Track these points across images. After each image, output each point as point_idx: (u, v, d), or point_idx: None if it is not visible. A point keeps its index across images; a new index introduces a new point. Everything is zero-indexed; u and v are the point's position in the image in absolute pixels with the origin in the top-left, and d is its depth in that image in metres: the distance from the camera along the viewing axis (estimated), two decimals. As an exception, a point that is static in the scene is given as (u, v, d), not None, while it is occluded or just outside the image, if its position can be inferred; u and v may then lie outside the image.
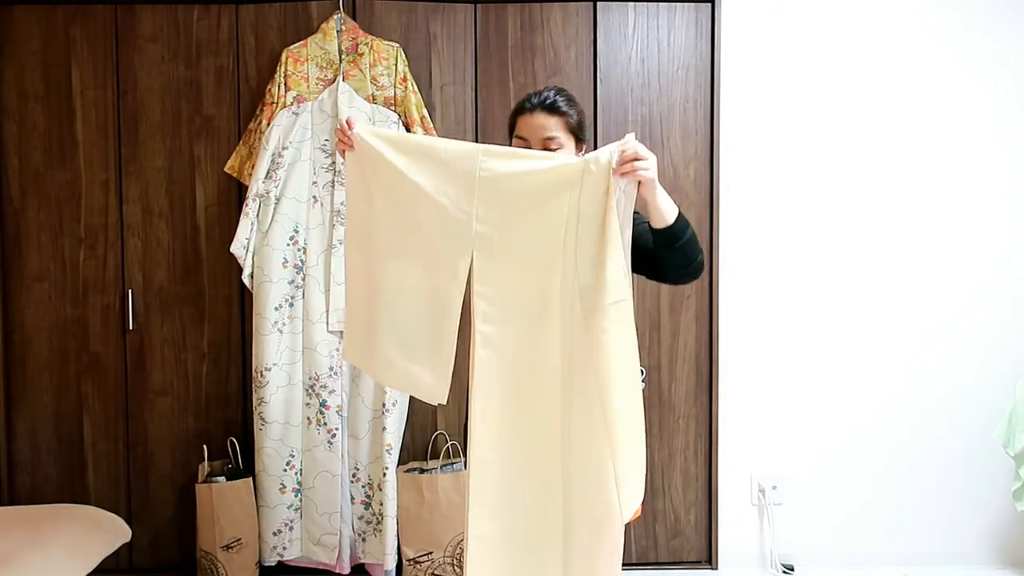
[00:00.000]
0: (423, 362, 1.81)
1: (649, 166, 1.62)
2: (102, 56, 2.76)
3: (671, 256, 1.76)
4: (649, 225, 1.74)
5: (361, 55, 2.66)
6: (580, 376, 1.70)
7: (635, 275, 1.82)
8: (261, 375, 2.62)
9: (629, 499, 1.65)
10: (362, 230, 1.87)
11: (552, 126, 1.81)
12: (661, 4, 2.83)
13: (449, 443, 2.79)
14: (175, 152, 2.78)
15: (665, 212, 1.70)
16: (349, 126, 1.79)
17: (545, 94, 1.85)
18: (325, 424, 2.65)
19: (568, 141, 1.82)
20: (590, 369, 1.66)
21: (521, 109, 1.87)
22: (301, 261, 2.64)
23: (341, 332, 2.64)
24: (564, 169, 1.68)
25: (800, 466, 2.93)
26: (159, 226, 2.79)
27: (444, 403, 1.81)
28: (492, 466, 1.74)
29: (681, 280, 1.84)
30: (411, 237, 1.79)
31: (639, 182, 1.63)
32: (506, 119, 1.94)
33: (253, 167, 2.63)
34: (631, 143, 1.62)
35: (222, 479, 2.67)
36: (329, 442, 2.65)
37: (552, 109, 1.83)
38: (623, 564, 1.78)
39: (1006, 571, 2.94)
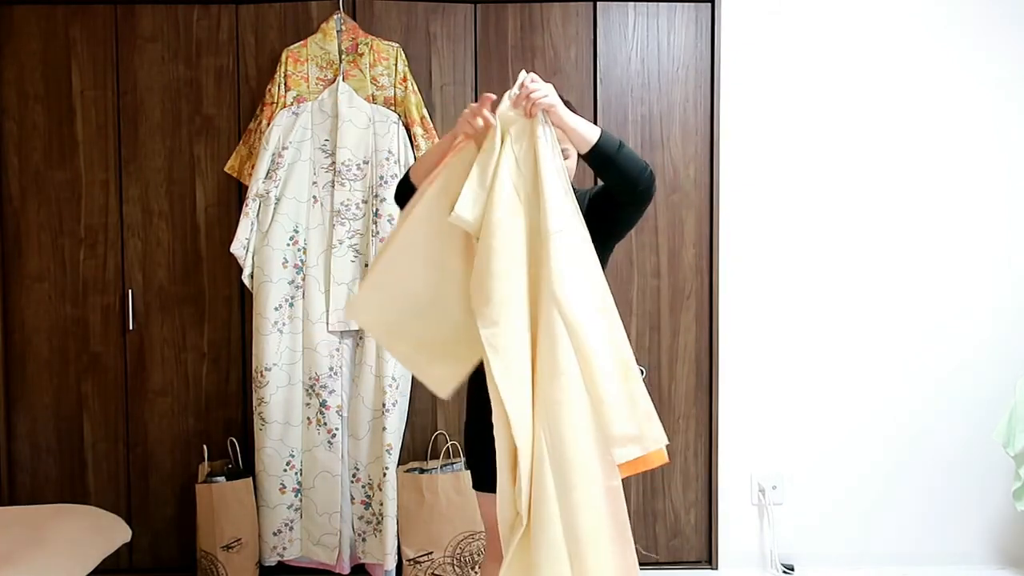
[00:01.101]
0: (445, 360, 1.82)
1: (546, 91, 1.65)
2: (102, 56, 2.76)
3: (614, 176, 1.74)
4: (579, 155, 1.75)
5: (361, 55, 2.66)
6: (545, 310, 1.67)
7: (617, 250, 1.93)
8: (261, 375, 2.62)
9: (621, 446, 1.64)
10: (437, 208, 1.80)
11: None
12: (661, 4, 2.83)
13: (449, 443, 2.79)
14: (175, 152, 2.78)
15: (584, 132, 1.70)
16: (494, 105, 1.71)
17: None
18: (325, 424, 2.65)
19: (571, 146, 1.82)
20: (550, 301, 1.65)
21: None
22: (301, 261, 2.64)
23: (341, 332, 2.65)
24: (495, 138, 1.69)
25: (800, 466, 2.93)
26: (159, 226, 2.79)
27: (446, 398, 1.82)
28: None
29: (640, 201, 1.79)
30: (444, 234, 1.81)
31: (544, 111, 1.66)
32: None
33: (253, 167, 2.63)
34: (522, 85, 1.66)
35: (222, 479, 2.67)
36: (329, 442, 2.65)
37: None
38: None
39: (1006, 571, 2.94)
